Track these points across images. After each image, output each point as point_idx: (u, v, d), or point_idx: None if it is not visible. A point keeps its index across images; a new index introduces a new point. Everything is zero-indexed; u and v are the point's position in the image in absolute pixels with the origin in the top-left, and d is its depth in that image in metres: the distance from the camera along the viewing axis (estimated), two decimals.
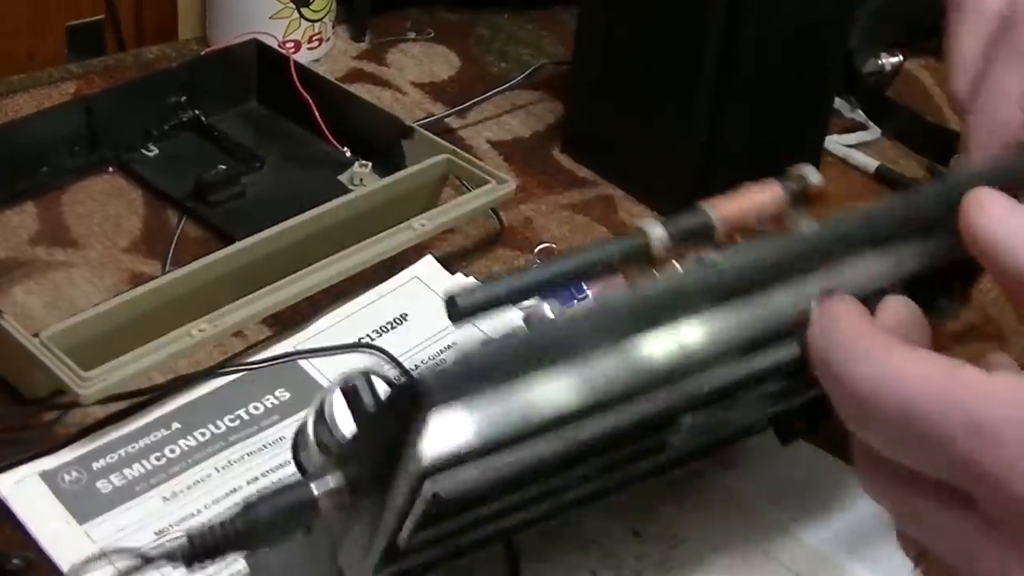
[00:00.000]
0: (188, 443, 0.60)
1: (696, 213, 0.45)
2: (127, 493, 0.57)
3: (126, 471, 0.58)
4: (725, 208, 0.46)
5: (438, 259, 0.71)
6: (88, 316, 0.62)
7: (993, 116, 0.48)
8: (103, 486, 0.58)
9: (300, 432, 0.47)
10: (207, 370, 0.63)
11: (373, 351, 0.65)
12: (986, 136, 0.49)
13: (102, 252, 0.72)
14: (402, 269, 0.70)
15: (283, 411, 0.62)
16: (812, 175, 0.47)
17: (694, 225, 0.45)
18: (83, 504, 0.57)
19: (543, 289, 0.43)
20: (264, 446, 0.60)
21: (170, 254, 0.71)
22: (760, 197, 0.46)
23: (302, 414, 0.61)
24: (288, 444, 0.59)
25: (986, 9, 0.50)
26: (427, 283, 0.69)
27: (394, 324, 0.67)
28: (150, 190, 0.76)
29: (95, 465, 0.59)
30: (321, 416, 0.46)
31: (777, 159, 0.49)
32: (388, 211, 0.70)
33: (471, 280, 0.70)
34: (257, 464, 0.59)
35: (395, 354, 0.65)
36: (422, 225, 0.68)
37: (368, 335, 0.66)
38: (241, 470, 0.59)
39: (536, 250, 0.72)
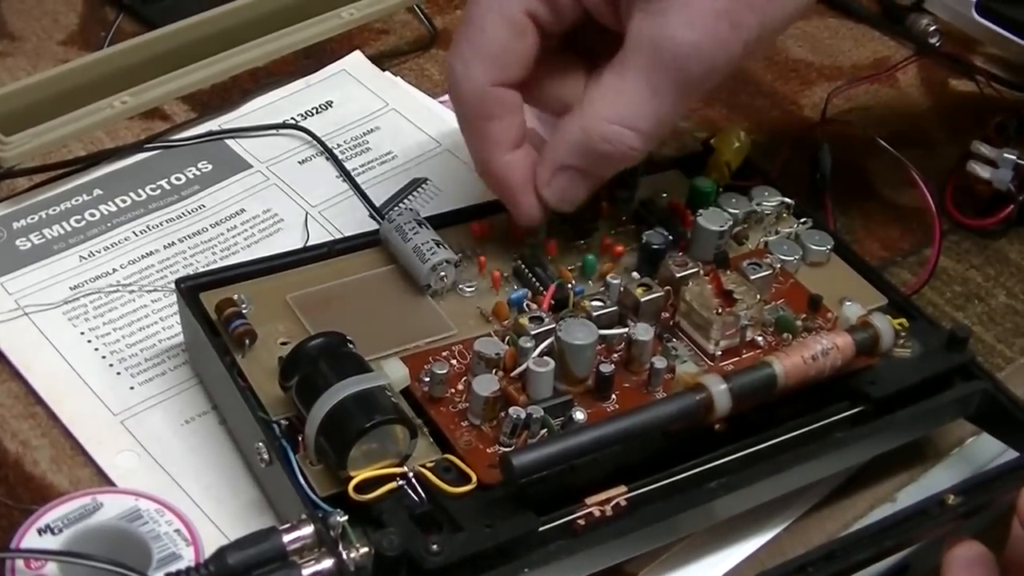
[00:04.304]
0: (108, 208, 0.61)
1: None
2: (45, 251, 0.59)
3: (45, 231, 0.60)
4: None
5: (370, 58, 0.72)
6: (12, 88, 0.63)
7: None
8: (22, 244, 0.59)
9: None
10: (132, 144, 0.65)
11: (297, 131, 0.66)
12: None
13: (38, 44, 0.73)
14: (331, 63, 0.71)
15: (204, 181, 0.63)
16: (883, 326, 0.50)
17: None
18: (1, 260, 0.58)
19: (597, 450, 0.45)
20: (183, 214, 0.61)
21: (104, 47, 0.72)
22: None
23: (222, 184, 0.63)
24: (207, 212, 0.61)
25: None
26: (354, 76, 0.70)
27: (319, 109, 0.68)
28: None
29: (15, 225, 0.60)
30: None
31: None
32: (319, 5, 0.70)
33: (400, 80, 0.71)
34: (175, 230, 0.60)
35: (319, 135, 0.66)
36: (350, 14, 0.69)
37: (293, 118, 0.67)
38: (159, 235, 0.60)
39: None
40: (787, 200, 0.58)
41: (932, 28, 0.76)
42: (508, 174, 0.53)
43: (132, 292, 0.57)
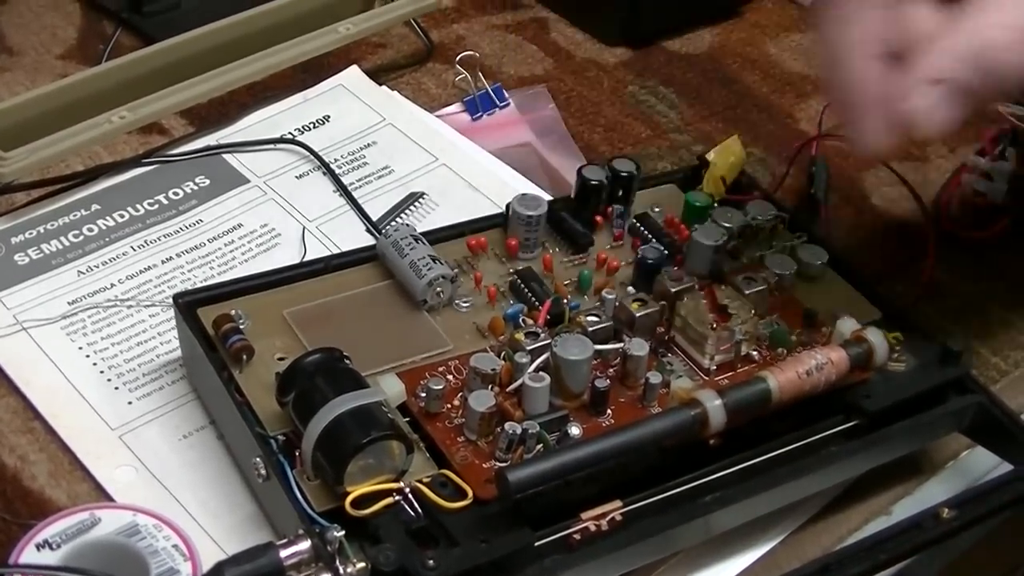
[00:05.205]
0: (106, 223, 0.61)
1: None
2: (43, 266, 0.59)
3: (43, 246, 0.60)
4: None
5: (367, 72, 0.72)
6: (10, 103, 0.63)
7: None
8: (20, 259, 0.59)
9: None
10: (130, 159, 0.65)
11: (294, 145, 0.66)
12: None
13: (36, 59, 0.73)
14: (328, 78, 0.71)
15: (201, 196, 0.63)
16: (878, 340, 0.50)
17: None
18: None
19: (592, 465, 0.45)
20: (180, 228, 0.62)
21: (103, 61, 0.72)
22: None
23: (220, 198, 0.63)
24: (205, 227, 0.61)
25: None
26: (351, 90, 0.70)
27: (316, 124, 0.68)
28: (86, 1, 0.77)
29: (13, 240, 0.60)
30: None
31: None
32: (316, 20, 0.70)
33: (396, 95, 0.71)
34: (172, 245, 0.61)
35: (316, 149, 0.66)
36: (347, 29, 0.69)
37: (290, 132, 0.67)
38: (156, 250, 0.60)
39: (457, 59, 0.72)
40: (782, 214, 0.58)
41: None
42: (865, 83, 0.47)
43: (130, 307, 0.57)
